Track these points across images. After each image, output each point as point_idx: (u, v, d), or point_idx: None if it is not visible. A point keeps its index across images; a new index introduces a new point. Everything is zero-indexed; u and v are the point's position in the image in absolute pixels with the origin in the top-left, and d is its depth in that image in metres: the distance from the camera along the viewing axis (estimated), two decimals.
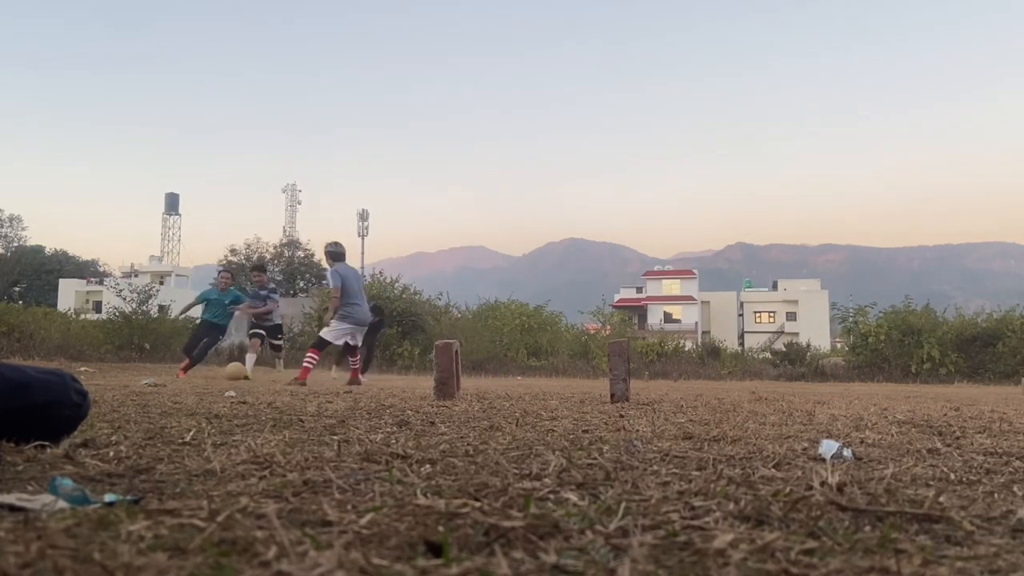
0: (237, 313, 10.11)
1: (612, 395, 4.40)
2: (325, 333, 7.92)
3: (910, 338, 20.18)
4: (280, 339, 11.00)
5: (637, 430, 2.50)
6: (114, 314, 19.05)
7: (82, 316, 25.50)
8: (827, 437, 2.26)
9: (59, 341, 17.67)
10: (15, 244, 60.68)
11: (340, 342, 8.10)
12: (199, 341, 9.85)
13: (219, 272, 11.48)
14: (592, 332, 25.43)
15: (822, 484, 1.33)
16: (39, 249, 61.12)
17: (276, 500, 1.17)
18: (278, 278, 50.64)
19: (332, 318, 7.84)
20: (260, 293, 10.17)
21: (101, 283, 53.48)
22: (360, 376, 8.04)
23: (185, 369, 9.53)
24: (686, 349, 24.79)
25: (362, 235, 57.63)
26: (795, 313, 68.32)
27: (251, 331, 10.28)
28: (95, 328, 19.87)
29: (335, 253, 7.88)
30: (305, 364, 7.53)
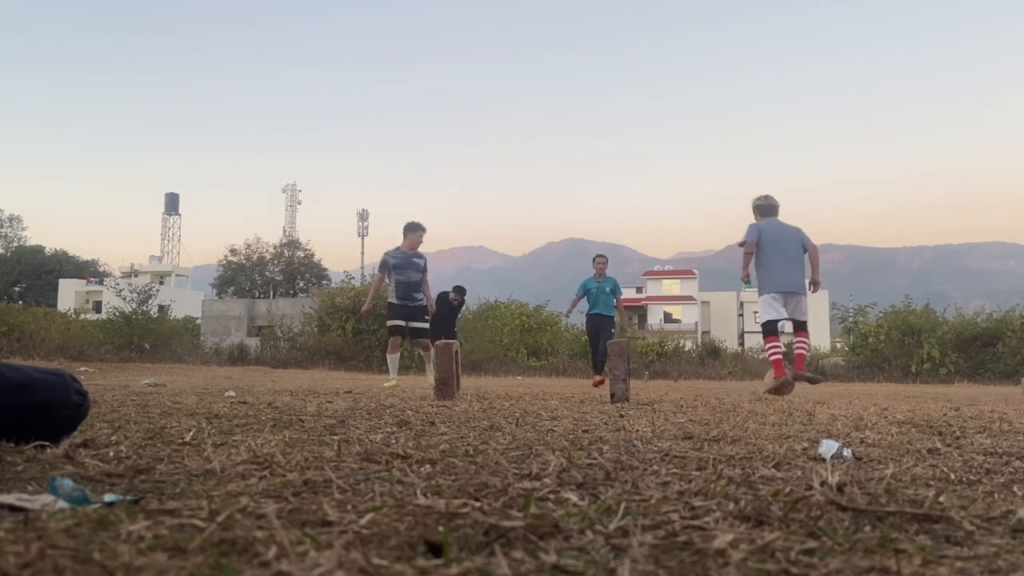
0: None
1: (612, 395, 4.40)
2: None
3: (910, 338, 20.18)
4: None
5: (637, 430, 2.50)
6: (114, 314, 19.06)
7: (82, 316, 25.51)
8: (827, 437, 2.26)
9: (59, 341, 17.67)
10: (15, 244, 60.68)
11: None
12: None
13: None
14: None
15: (822, 484, 1.33)
16: (39, 249, 61.08)
17: (276, 500, 1.17)
18: (278, 278, 50.56)
19: None
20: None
21: (101, 283, 53.46)
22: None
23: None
24: (686, 349, 24.79)
25: (362, 235, 57.57)
26: None
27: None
28: (95, 328, 19.89)
29: None
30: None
